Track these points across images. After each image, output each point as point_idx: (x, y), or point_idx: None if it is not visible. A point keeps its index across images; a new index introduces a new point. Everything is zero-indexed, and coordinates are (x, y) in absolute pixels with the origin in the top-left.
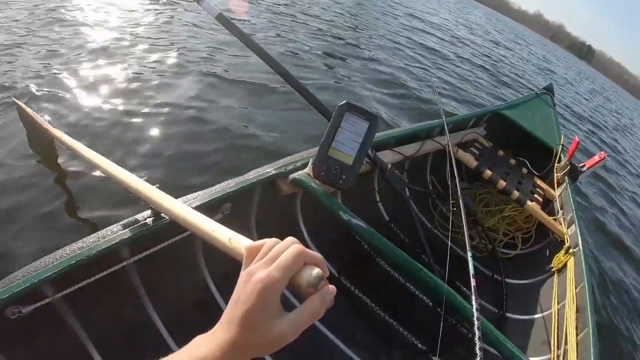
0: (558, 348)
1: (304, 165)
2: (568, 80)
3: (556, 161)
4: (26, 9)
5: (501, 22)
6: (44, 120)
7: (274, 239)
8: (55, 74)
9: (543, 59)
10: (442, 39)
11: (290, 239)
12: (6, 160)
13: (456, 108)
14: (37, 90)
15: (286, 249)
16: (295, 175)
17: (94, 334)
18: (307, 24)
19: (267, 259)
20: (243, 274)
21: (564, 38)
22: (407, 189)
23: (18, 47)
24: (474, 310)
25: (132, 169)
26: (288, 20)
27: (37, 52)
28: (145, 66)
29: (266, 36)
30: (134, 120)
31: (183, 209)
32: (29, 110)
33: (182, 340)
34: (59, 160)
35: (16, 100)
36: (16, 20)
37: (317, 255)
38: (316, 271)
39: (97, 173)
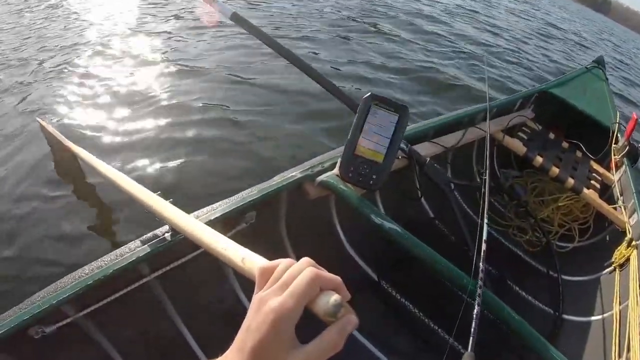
0: (619, 356)
1: (333, 166)
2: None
3: (613, 142)
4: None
5: None
6: (65, 138)
7: (288, 260)
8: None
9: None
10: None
11: (305, 260)
12: (30, 179)
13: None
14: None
15: (301, 271)
16: (323, 177)
17: (123, 350)
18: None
19: (280, 284)
20: (255, 299)
21: None
22: (450, 183)
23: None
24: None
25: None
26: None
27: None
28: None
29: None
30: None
31: (195, 225)
32: (51, 128)
33: (214, 353)
34: (82, 178)
35: (39, 120)
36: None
37: (335, 278)
38: (334, 298)
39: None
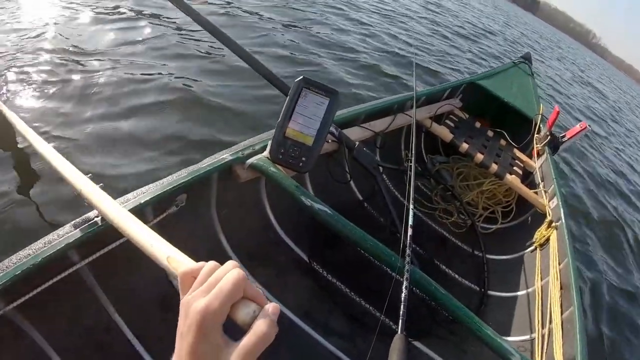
0: (543, 327)
1: (263, 149)
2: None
3: (536, 132)
4: None
5: None
6: None
7: (212, 263)
8: None
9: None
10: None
11: (230, 263)
12: None
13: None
14: None
15: (226, 273)
16: (253, 160)
17: (56, 342)
18: None
19: (206, 286)
20: (182, 303)
21: None
22: (378, 167)
23: None
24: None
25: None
26: None
27: None
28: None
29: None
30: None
31: (122, 216)
32: None
33: (148, 339)
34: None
35: None
36: None
37: (257, 290)
38: (253, 309)
39: (43, 163)
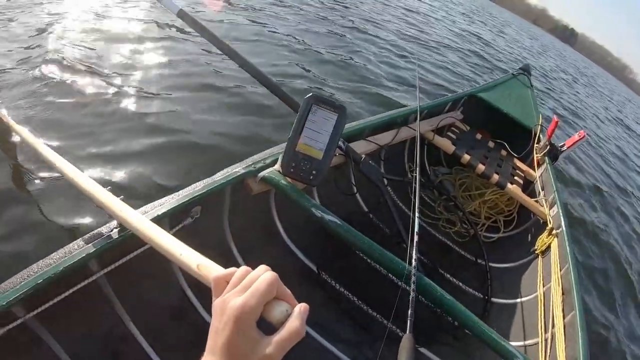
0: (546, 332)
1: (274, 162)
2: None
3: (535, 142)
4: None
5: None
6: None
7: (245, 267)
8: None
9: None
10: (421, 27)
11: (263, 266)
12: None
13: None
14: None
15: (259, 275)
16: (265, 173)
17: (72, 350)
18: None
19: (241, 287)
20: (217, 302)
21: (547, 21)
22: (383, 179)
23: None
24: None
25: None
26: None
27: None
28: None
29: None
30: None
31: (150, 227)
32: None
33: (163, 349)
34: (19, 160)
35: None
36: None
37: (288, 291)
38: (286, 308)
39: (57, 176)
